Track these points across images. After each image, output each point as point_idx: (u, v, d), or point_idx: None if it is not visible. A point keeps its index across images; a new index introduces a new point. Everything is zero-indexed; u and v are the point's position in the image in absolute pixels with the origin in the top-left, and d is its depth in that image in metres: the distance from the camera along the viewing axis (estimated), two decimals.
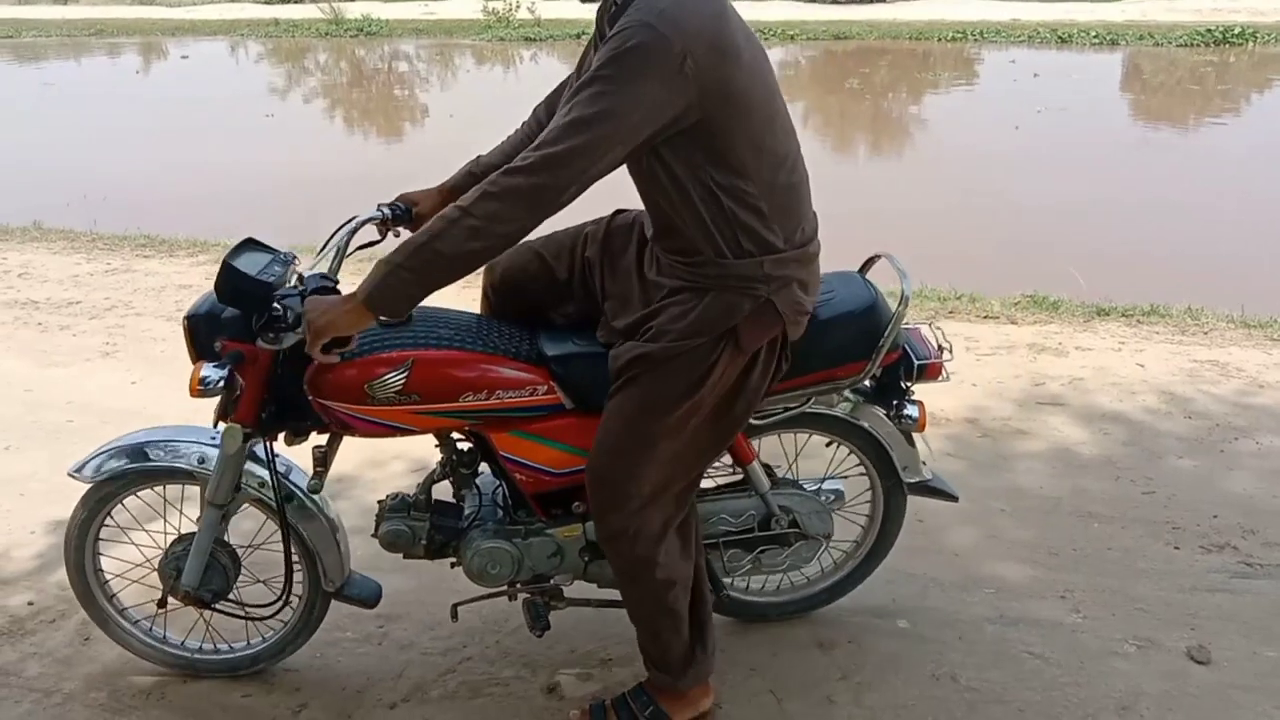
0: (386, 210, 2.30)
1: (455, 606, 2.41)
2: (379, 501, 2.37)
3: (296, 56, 23.11)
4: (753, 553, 2.42)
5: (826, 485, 2.51)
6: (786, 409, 2.33)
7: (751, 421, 2.23)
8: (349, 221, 2.21)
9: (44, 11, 35.76)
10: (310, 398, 2.08)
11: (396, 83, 18.62)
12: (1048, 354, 4.48)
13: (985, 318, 5.01)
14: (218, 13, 32.24)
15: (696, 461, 2.10)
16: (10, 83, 19.44)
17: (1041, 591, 2.80)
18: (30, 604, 2.87)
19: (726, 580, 2.50)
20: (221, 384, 1.98)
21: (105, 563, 2.50)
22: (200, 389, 1.97)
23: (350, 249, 2.20)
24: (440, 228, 1.76)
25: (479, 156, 2.35)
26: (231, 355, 2.01)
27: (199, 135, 12.63)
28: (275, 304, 1.95)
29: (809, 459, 2.62)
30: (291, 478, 2.35)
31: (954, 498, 2.54)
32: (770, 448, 2.52)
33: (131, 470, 2.32)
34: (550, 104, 2.34)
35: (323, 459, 2.27)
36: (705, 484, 2.44)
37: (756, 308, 1.96)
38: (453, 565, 2.37)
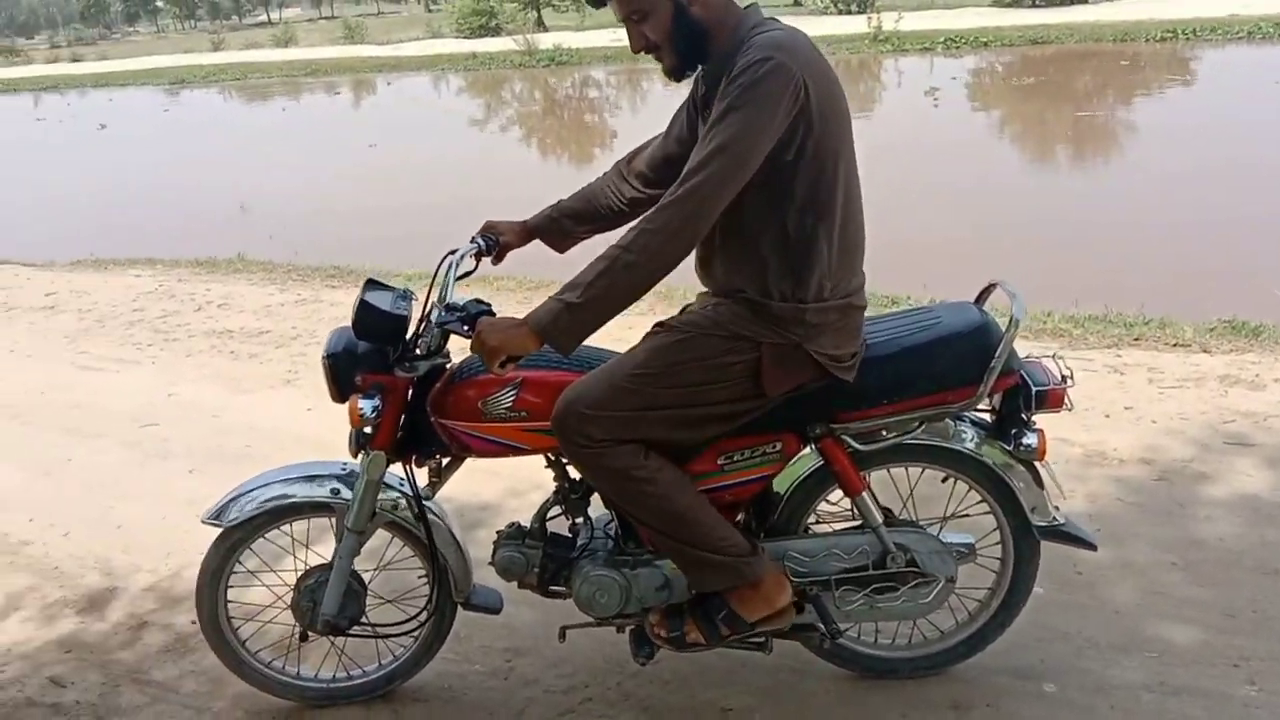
0: (481, 242, 2.44)
1: (564, 629, 2.45)
2: (498, 532, 2.45)
3: (494, 88, 24.11)
4: (865, 590, 2.32)
5: (953, 538, 2.37)
6: (895, 434, 2.25)
7: (859, 448, 2.24)
8: (451, 254, 2.33)
9: (265, 55, 38.67)
10: (433, 419, 2.23)
11: (587, 109, 19.12)
12: (1241, 387, 4.09)
13: (1175, 345, 4.63)
14: (419, 49, 34.05)
15: (653, 432, 2.14)
16: (236, 118, 21.16)
17: (1211, 658, 2.54)
18: (193, 622, 3.05)
19: (845, 626, 2.40)
20: (375, 414, 2.20)
21: (235, 608, 2.62)
22: (360, 419, 2.19)
23: (453, 281, 2.29)
24: (602, 267, 1.93)
25: (560, 200, 2.49)
26: (374, 387, 2.21)
27: (399, 166, 13.32)
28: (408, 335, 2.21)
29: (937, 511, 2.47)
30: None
31: (1092, 546, 2.38)
32: (887, 488, 2.42)
33: (271, 509, 2.43)
34: (634, 158, 2.44)
35: (438, 471, 2.41)
36: (818, 526, 2.42)
37: (783, 349, 2.07)
38: (565, 596, 2.39)
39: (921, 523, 2.39)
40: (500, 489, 3.67)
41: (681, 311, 2.22)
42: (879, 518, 2.31)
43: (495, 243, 2.46)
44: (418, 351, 2.22)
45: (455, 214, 10.21)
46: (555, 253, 2.49)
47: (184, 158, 16.56)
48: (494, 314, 2.11)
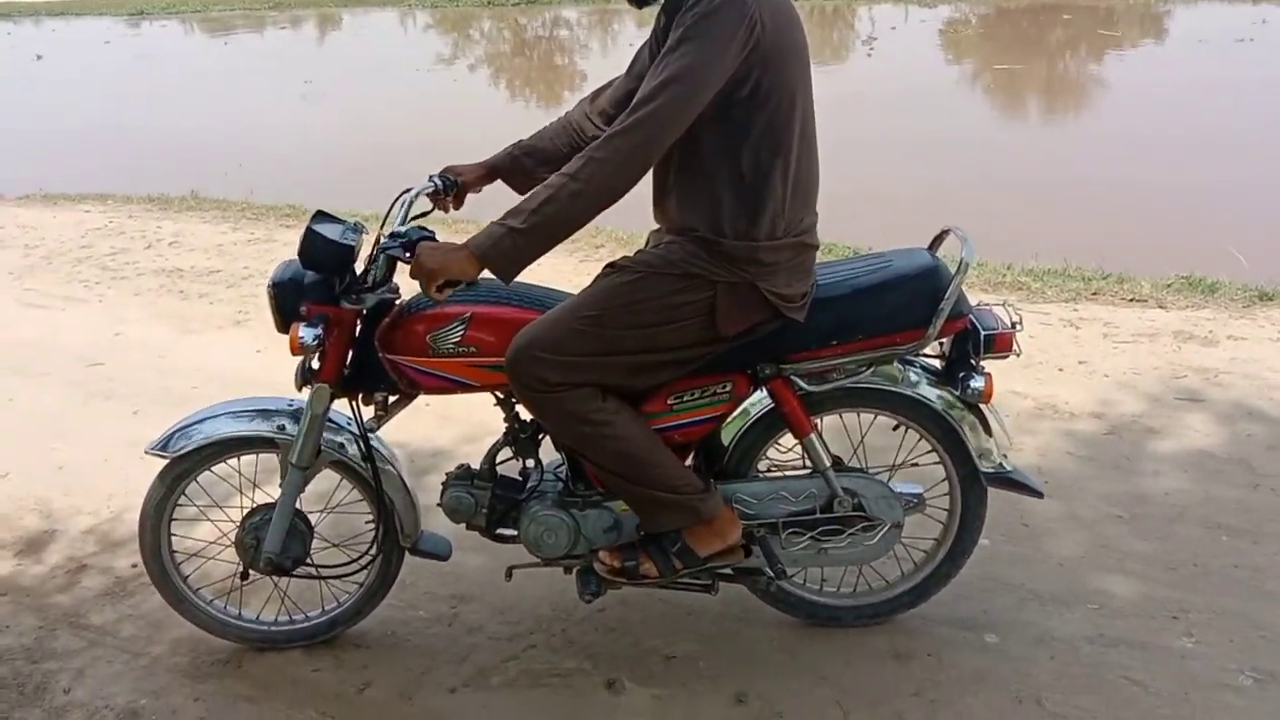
0: (439, 181, 2.40)
1: (510, 569, 2.43)
2: (447, 474, 2.43)
3: (461, 25, 23.64)
4: (811, 533, 2.32)
5: (903, 488, 2.38)
6: (845, 377, 2.25)
7: (809, 388, 2.24)
8: (405, 192, 2.31)
9: None
10: (381, 355, 2.21)
11: (556, 49, 18.80)
12: (1194, 343, 4.11)
13: (1132, 300, 4.65)
14: None
15: (608, 377, 2.13)
16: (196, 52, 20.61)
17: (1151, 611, 2.56)
18: (134, 566, 3.00)
19: (791, 571, 2.41)
20: (317, 342, 2.14)
21: (177, 543, 2.58)
22: (301, 346, 2.14)
23: (408, 219, 2.27)
24: (547, 195, 1.89)
25: (521, 140, 2.45)
26: (318, 318, 2.16)
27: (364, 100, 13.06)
28: (355, 266, 2.19)
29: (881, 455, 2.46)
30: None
31: (1039, 494, 2.40)
32: (840, 438, 2.41)
33: (214, 442, 2.40)
34: (598, 96, 2.43)
35: (384, 404, 2.37)
36: (764, 467, 2.42)
37: (736, 288, 2.05)
38: (515, 539, 2.38)
39: (871, 470, 2.38)
40: (454, 434, 3.63)
41: (637, 253, 2.19)
42: (827, 461, 2.30)
43: (454, 184, 2.42)
44: (366, 284, 2.20)
45: (419, 154, 10.00)
46: (516, 194, 2.44)
47: (130, 92, 16.14)
48: (433, 238, 2.09)
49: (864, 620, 2.55)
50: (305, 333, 2.14)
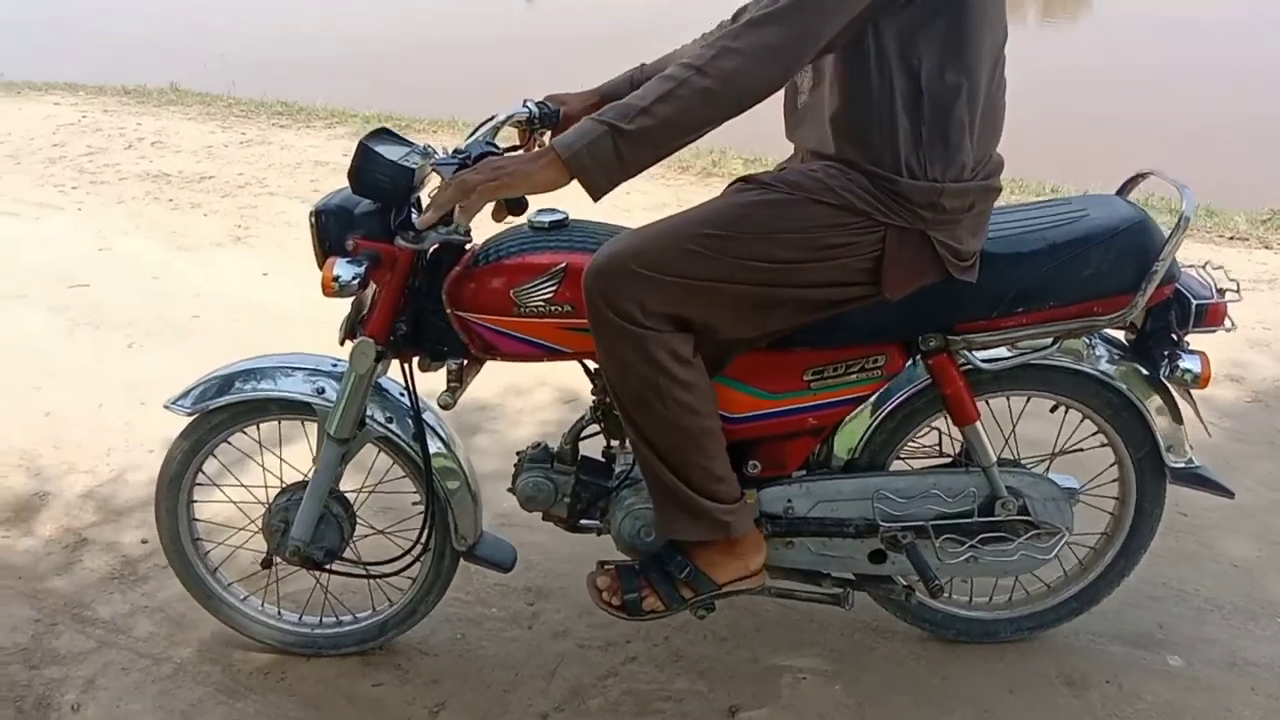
0: (534, 107, 1.97)
1: (601, 565, 2.01)
2: (518, 453, 2.04)
3: None
4: (971, 539, 1.93)
5: (1056, 479, 1.99)
6: (1025, 351, 1.86)
7: (984, 366, 1.84)
8: (490, 120, 1.86)
9: None
10: (449, 311, 1.81)
11: None
12: None
13: (1231, 239, 4.22)
14: None
15: (717, 317, 1.70)
16: None
17: None
18: (144, 542, 2.56)
19: (943, 581, 2.00)
20: (356, 282, 1.72)
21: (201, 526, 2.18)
22: (335, 287, 1.71)
23: (482, 138, 1.83)
24: (665, 88, 1.46)
25: (644, 64, 2.00)
26: (367, 254, 1.75)
27: None
28: (417, 195, 1.79)
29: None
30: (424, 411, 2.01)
31: (1229, 493, 2.02)
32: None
33: (241, 401, 1.99)
34: (742, 13, 1.91)
35: (459, 375, 1.93)
36: (914, 461, 2.07)
37: (908, 235, 1.65)
38: (598, 533, 2.03)
39: (1025, 461, 2.02)
40: (499, 386, 3.18)
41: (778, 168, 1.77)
42: (993, 455, 1.91)
43: (554, 114, 1.97)
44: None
45: (444, 54, 9.27)
46: None
47: None
48: (501, 154, 1.66)
49: (1023, 633, 2.17)
50: (342, 269, 1.71)
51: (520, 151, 1.94)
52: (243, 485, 2.16)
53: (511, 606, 2.33)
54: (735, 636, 2.22)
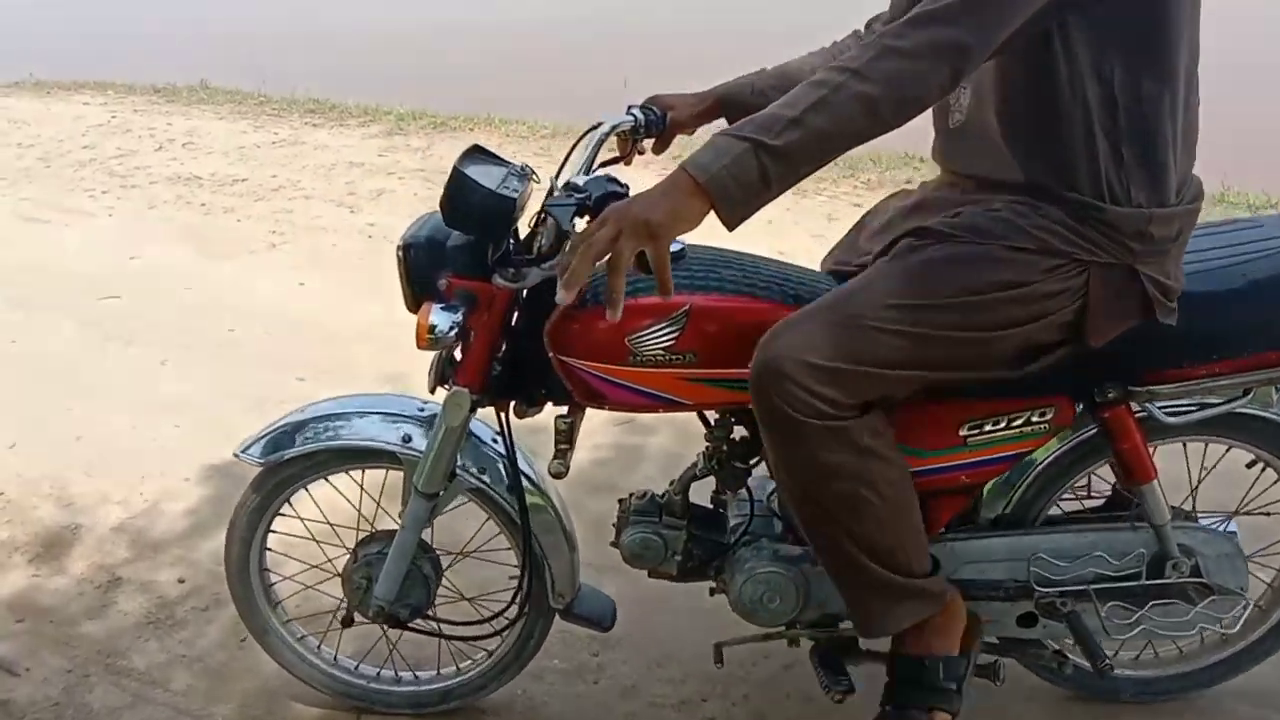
0: (639, 113, 1.76)
1: (719, 647, 1.84)
2: (620, 500, 1.85)
3: None
4: (1143, 608, 1.71)
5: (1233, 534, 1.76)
6: (1218, 402, 1.62)
7: (1168, 420, 1.61)
8: (594, 128, 1.67)
9: None
10: (552, 355, 1.59)
11: None
12: None
13: None
14: None
15: (904, 389, 1.50)
16: None
17: None
18: (181, 581, 2.40)
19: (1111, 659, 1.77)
20: (454, 333, 1.53)
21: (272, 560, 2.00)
22: (430, 339, 1.52)
23: (591, 158, 1.65)
24: (818, 95, 1.25)
25: (765, 69, 1.79)
26: (461, 296, 1.56)
27: None
28: (518, 226, 1.57)
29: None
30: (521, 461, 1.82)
31: None
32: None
33: (320, 450, 1.81)
34: (876, 21, 1.74)
35: (568, 435, 1.72)
36: (1069, 506, 1.84)
37: (1114, 273, 1.43)
38: (712, 592, 1.82)
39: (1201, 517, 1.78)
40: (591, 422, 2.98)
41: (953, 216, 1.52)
42: (1168, 515, 1.68)
43: (660, 120, 1.75)
44: (530, 254, 1.56)
45: (482, 36, 9.02)
46: None
47: None
48: (628, 196, 1.38)
49: (1146, 698, 1.96)
50: (439, 317, 1.52)
51: (622, 162, 1.75)
52: (328, 523, 1.98)
53: (575, 658, 2.15)
54: (820, 696, 2.02)
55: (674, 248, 1.46)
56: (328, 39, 9.42)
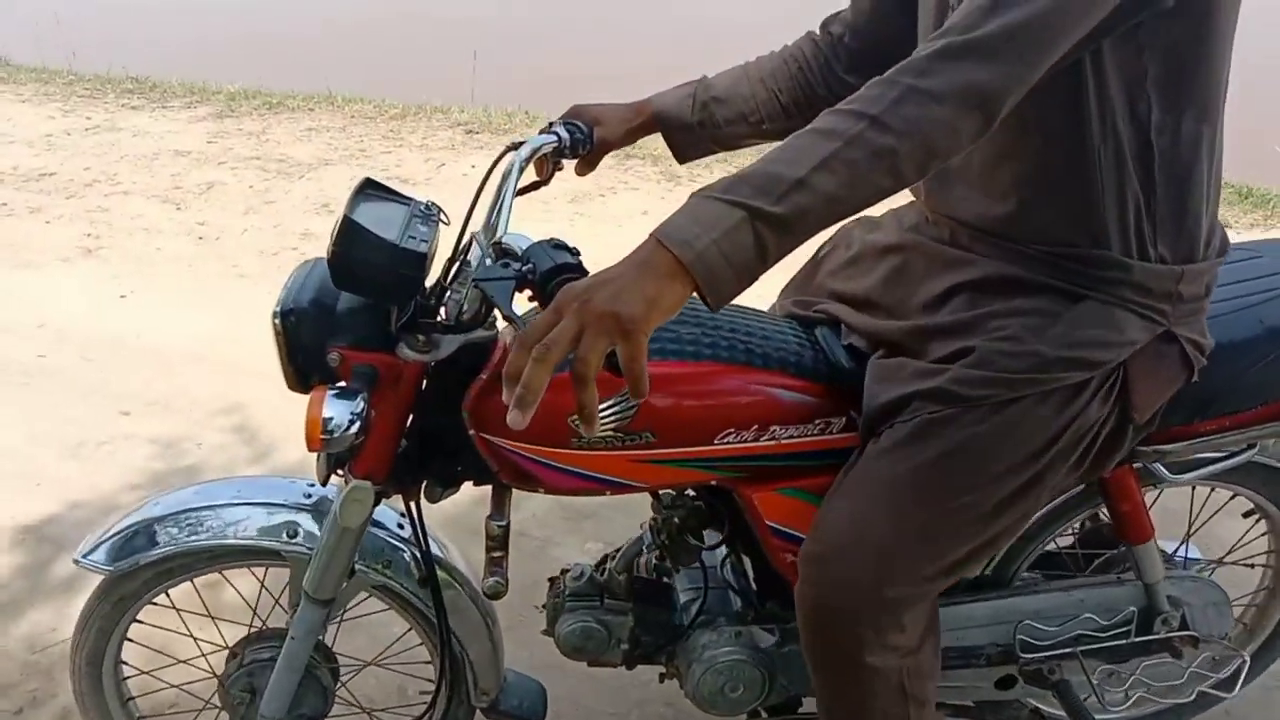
0: (562, 131, 1.47)
1: None
2: (550, 579, 1.62)
3: None
4: (1135, 671, 1.60)
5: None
6: (1221, 456, 1.51)
7: (1172, 477, 1.50)
8: (513, 148, 1.38)
9: None
10: (473, 433, 1.32)
11: None
12: None
13: None
14: None
15: (973, 550, 1.33)
16: None
17: None
18: (19, 715, 2.03)
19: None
20: (356, 429, 1.21)
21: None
22: (325, 438, 1.20)
23: (511, 199, 1.30)
24: (828, 149, 1.00)
25: (705, 78, 1.54)
26: (359, 374, 1.26)
27: None
28: (426, 284, 1.26)
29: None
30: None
31: None
32: None
33: (182, 553, 1.49)
34: (847, 23, 1.50)
35: (502, 540, 1.43)
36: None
37: (1154, 345, 1.26)
38: (662, 678, 1.63)
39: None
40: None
41: (959, 330, 1.29)
42: (1162, 572, 1.57)
43: (586, 137, 1.47)
44: (442, 314, 1.29)
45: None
46: (678, 158, 1.57)
47: None
48: (583, 271, 1.06)
49: None
50: (335, 408, 1.21)
51: (540, 186, 1.47)
52: (206, 612, 1.66)
53: None
54: None
55: None
56: (145, 8, 8.68)
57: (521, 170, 1.33)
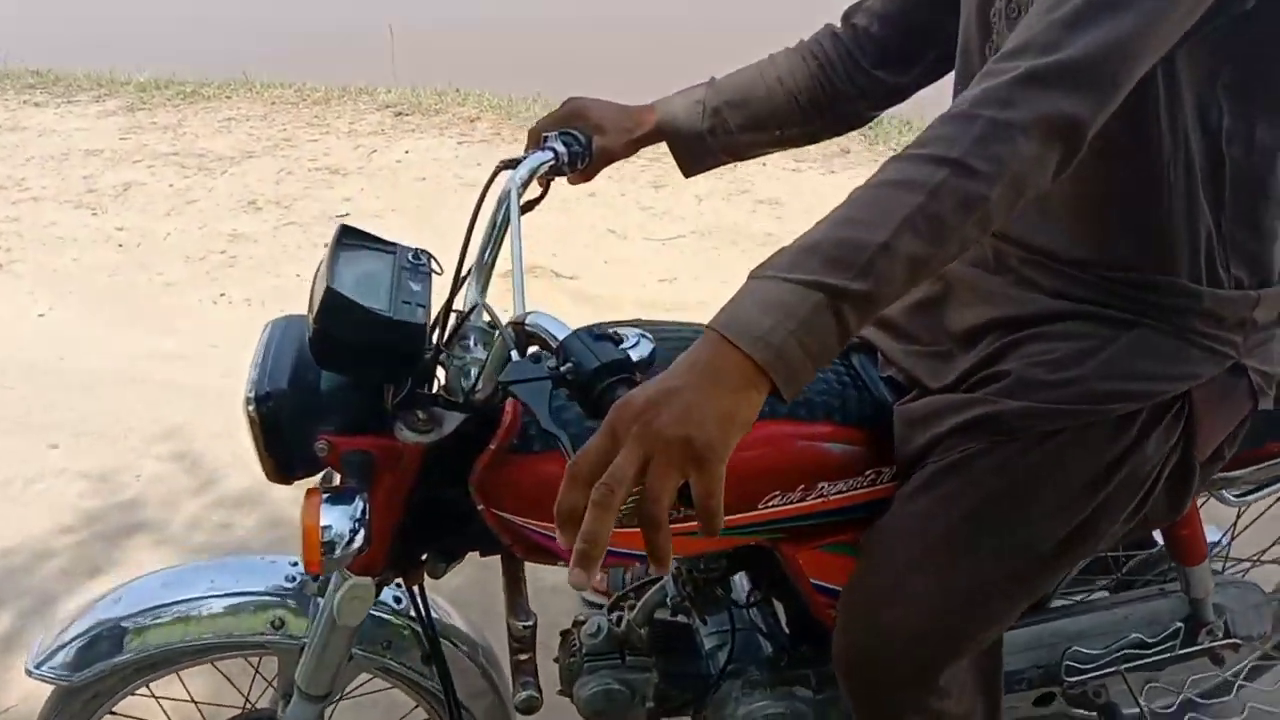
0: (559, 146, 1.31)
1: None
2: (563, 633, 1.49)
3: None
4: (1183, 688, 1.56)
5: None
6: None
7: (1236, 501, 1.47)
8: (508, 165, 1.25)
9: None
10: (482, 508, 1.17)
11: None
12: None
13: None
14: None
15: (1026, 594, 1.25)
16: None
17: None
18: None
19: None
20: (360, 539, 1.09)
21: None
22: (325, 554, 1.08)
23: (519, 243, 1.13)
24: (911, 205, 0.85)
25: (714, 79, 1.42)
26: (352, 463, 1.11)
27: None
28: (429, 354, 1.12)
29: None
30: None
31: None
32: None
33: (148, 657, 1.33)
34: (873, 12, 1.38)
35: (530, 641, 1.30)
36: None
37: (1219, 380, 1.15)
38: None
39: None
40: None
41: (993, 359, 1.19)
42: (1211, 588, 1.52)
43: (585, 149, 1.33)
44: (440, 379, 1.16)
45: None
46: (684, 170, 1.43)
47: None
48: (633, 369, 0.87)
49: None
50: (334, 516, 1.08)
51: (536, 204, 1.33)
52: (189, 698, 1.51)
53: None
54: None
55: (641, 347, 0.90)
56: None
57: (520, 194, 1.19)
